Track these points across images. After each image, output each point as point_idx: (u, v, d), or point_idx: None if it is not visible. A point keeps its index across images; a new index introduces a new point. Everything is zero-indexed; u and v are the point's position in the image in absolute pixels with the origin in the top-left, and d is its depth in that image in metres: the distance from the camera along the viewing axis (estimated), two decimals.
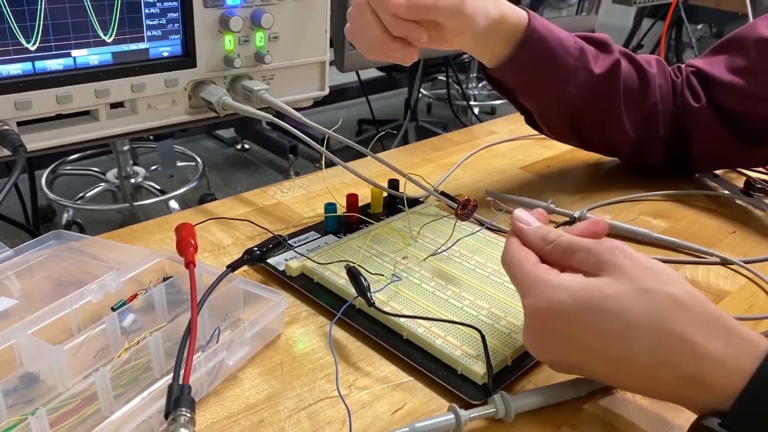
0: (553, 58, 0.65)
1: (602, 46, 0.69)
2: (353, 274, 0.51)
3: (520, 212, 0.45)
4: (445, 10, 0.55)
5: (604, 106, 0.70)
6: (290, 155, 2.79)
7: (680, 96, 0.73)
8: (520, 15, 0.62)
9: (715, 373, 0.36)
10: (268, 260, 0.58)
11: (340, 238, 0.61)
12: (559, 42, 0.65)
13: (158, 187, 2.44)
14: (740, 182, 0.76)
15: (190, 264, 0.49)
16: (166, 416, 0.38)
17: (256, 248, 0.57)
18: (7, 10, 0.59)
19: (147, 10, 0.67)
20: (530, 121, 0.76)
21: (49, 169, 2.49)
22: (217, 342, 0.46)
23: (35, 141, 0.65)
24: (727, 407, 0.36)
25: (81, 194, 2.41)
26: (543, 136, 0.78)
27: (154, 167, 2.55)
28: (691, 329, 0.37)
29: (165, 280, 0.50)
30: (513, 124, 0.96)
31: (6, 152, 0.61)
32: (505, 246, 0.45)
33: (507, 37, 0.62)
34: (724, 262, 0.63)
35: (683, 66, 0.76)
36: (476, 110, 2.93)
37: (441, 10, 0.55)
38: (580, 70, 0.67)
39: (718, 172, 0.80)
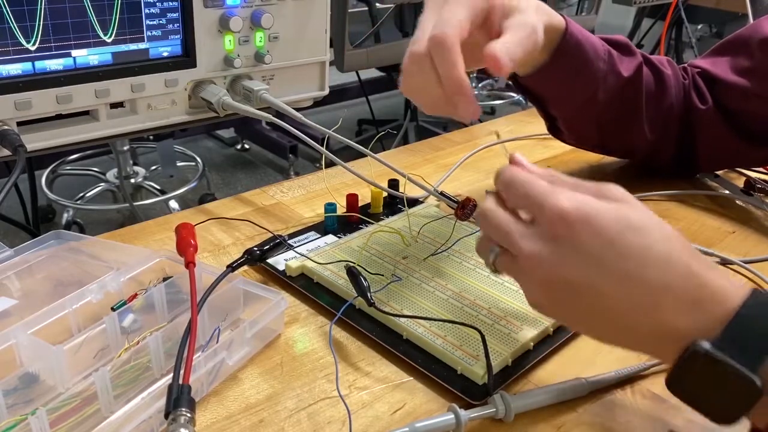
0: (586, 63, 0.63)
1: (625, 49, 0.68)
2: (353, 274, 0.51)
3: (517, 155, 0.43)
4: (526, 52, 0.50)
5: (629, 109, 0.70)
6: (290, 155, 2.79)
7: (688, 97, 0.73)
8: (558, 21, 0.59)
9: (714, 299, 0.37)
10: (268, 260, 0.58)
11: (340, 238, 0.61)
12: (592, 46, 0.63)
13: (158, 187, 2.43)
14: (740, 182, 0.76)
15: (190, 264, 0.49)
16: (166, 416, 0.38)
17: (256, 248, 0.57)
18: (7, 10, 0.59)
19: (147, 10, 0.67)
20: (552, 129, 0.74)
21: (49, 169, 2.49)
22: (217, 342, 0.46)
23: (35, 141, 0.65)
24: (718, 333, 0.36)
25: (81, 194, 2.41)
26: (543, 136, 0.78)
27: (154, 167, 2.55)
28: (697, 265, 0.38)
29: (165, 280, 0.50)
30: (513, 124, 0.96)
31: (6, 152, 0.61)
32: (502, 170, 0.42)
33: (545, 44, 0.58)
34: (724, 262, 0.63)
35: (688, 67, 0.76)
36: None
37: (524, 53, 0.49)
38: (609, 74, 0.66)
39: (718, 172, 0.80)
